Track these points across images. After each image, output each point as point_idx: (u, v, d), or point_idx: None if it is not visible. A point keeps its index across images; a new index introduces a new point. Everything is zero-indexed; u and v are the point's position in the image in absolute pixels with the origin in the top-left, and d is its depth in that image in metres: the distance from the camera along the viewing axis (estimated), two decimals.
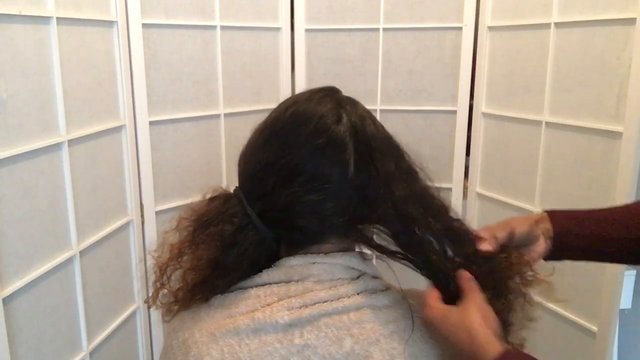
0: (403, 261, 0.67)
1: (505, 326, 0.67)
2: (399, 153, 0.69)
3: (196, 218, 0.69)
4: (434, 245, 0.66)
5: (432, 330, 0.65)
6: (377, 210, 0.65)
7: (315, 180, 0.64)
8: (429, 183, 0.69)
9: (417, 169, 0.69)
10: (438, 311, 0.64)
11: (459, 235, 0.68)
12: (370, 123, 0.68)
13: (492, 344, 0.59)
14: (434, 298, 0.66)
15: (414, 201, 0.65)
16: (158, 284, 0.70)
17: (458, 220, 0.69)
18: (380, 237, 0.68)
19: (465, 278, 0.66)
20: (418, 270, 0.67)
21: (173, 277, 0.70)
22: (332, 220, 0.66)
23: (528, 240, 0.77)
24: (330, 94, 0.70)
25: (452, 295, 0.65)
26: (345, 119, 0.66)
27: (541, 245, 0.78)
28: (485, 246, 0.69)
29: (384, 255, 0.67)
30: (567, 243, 0.79)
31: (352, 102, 0.70)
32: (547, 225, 0.78)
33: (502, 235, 0.73)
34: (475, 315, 0.61)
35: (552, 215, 0.79)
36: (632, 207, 0.82)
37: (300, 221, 0.66)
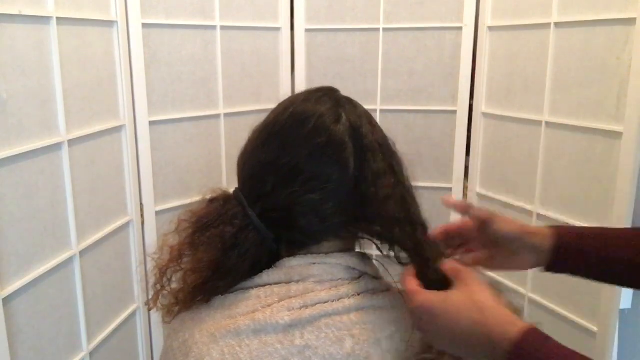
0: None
1: None
2: (392, 155, 0.69)
3: (196, 220, 0.68)
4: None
5: (425, 320, 0.58)
6: (366, 209, 0.65)
7: (315, 179, 0.64)
8: (412, 187, 0.69)
9: (407, 174, 0.69)
10: (436, 295, 0.58)
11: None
12: (367, 123, 0.68)
13: (512, 323, 0.53)
14: (415, 285, 0.61)
15: (397, 203, 0.65)
16: (158, 286, 0.70)
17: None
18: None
19: (454, 265, 0.62)
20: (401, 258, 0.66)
21: (173, 279, 0.70)
22: (332, 220, 0.66)
23: (510, 246, 0.73)
24: (328, 93, 0.70)
25: (433, 282, 0.61)
26: (344, 118, 0.66)
27: (522, 261, 0.74)
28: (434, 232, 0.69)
29: (385, 244, 0.66)
30: (568, 259, 0.74)
31: (351, 102, 0.70)
32: (542, 241, 0.73)
33: (480, 214, 0.72)
34: (485, 293, 0.56)
35: (558, 232, 0.74)
36: None
37: (301, 221, 0.66)
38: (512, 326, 0.53)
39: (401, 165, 0.69)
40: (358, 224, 0.68)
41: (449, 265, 0.62)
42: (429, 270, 0.63)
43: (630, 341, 1.57)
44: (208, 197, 0.71)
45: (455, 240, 0.77)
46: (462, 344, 0.56)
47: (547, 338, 0.53)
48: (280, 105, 0.70)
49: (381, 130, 0.71)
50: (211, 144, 1.74)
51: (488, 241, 0.74)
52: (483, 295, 0.57)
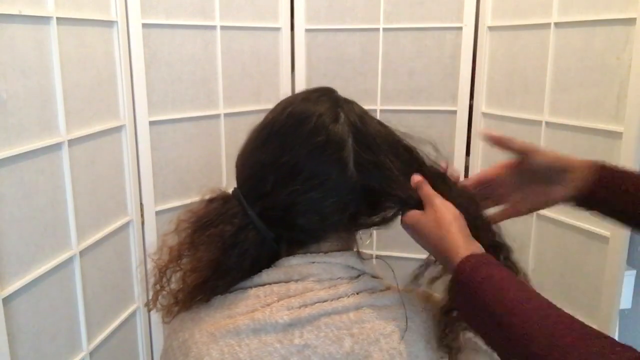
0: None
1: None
2: (400, 146, 0.70)
3: (195, 220, 0.69)
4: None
5: (409, 234, 0.68)
6: (383, 204, 0.67)
7: (314, 178, 0.64)
8: (435, 165, 0.72)
9: (422, 158, 0.71)
10: (413, 217, 0.67)
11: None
12: (368, 121, 0.69)
13: (463, 248, 0.61)
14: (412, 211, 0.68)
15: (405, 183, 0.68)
16: (158, 287, 0.70)
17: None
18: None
19: (419, 186, 0.68)
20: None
21: (173, 279, 0.70)
22: (332, 218, 0.66)
23: (546, 177, 0.75)
24: (327, 93, 0.71)
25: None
26: (343, 117, 0.67)
27: (557, 192, 0.75)
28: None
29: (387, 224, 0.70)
30: (601, 197, 0.74)
31: (349, 102, 0.71)
32: (583, 173, 0.74)
33: (519, 144, 0.74)
34: (448, 216, 0.63)
35: (601, 166, 0.75)
36: None
37: (300, 220, 0.66)
38: (459, 251, 0.61)
39: (408, 151, 0.71)
40: (359, 218, 0.68)
41: (424, 189, 0.68)
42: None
43: (630, 341, 1.57)
44: (207, 197, 0.71)
45: (487, 189, 0.79)
46: (432, 253, 0.67)
47: (484, 264, 0.59)
48: (278, 105, 0.70)
49: (383, 126, 0.71)
50: (211, 144, 1.74)
51: (524, 178, 0.77)
52: (444, 218, 0.64)
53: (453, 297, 0.61)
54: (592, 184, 0.74)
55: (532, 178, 0.76)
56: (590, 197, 0.74)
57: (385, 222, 0.70)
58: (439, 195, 0.66)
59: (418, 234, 0.66)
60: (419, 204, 0.67)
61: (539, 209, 0.81)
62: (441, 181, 0.69)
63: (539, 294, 0.56)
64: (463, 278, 0.58)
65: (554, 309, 0.54)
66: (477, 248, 0.62)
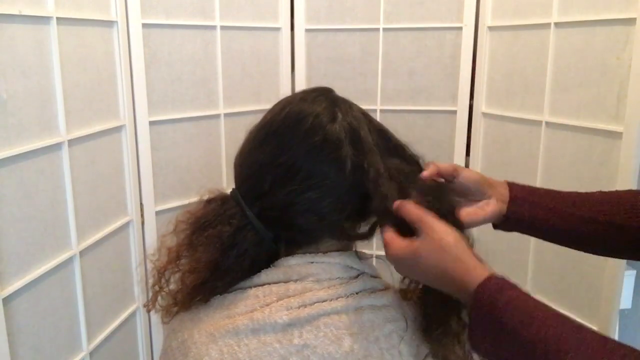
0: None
1: None
2: (396, 150, 0.70)
3: (194, 221, 0.69)
4: None
5: (400, 268, 0.62)
6: (371, 206, 0.66)
7: (312, 177, 0.64)
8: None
9: (417, 165, 0.70)
10: (406, 247, 0.60)
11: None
12: (365, 121, 0.69)
13: (479, 268, 0.57)
14: (392, 235, 0.62)
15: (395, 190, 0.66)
16: (156, 288, 0.70)
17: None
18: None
19: (410, 209, 0.62)
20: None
21: (172, 280, 0.70)
22: (330, 218, 0.66)
23: (475, 193, 0.74)
24: (324, 93, 0.71)
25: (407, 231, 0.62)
26: (340, 117, 0.67)
27: (491, 205, 0.74)
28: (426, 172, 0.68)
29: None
30: (521, 212, 0.75)
31: (346, 102, 0.71)
32: (502, 190, 0.75)
33: (445, 166, 0.71)
34: (450, 237, 0.58)
35: (511, 184, 0.77)
36: (605, 193, 0.78)
37: (299, 220, 0.66)
38: (475, 273, 0.56)
39: (408, 158, 0.70)
40: (356, 220, 0.68)
41: (412, 211, 0.62)
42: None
43: (630, 341, 1.57)
44: (205, 197, 0.71)
45: None
46: (436, 285, 0.61)
47: (508, 285, 0.55)
48: (276, 105, 0.70)
49: (382, 127, 0.71)
50: (211, 144, 1.74)
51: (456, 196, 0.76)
52: (448, 241, 0.59)
53: (477, 321, 0.55)
54: (509, 202, 0.75)
55: (462, 194, 0.75)
56: (509, 215, 0.75)
57: (369, 235, 0.68)
58: (430, 215, 0.61)
59: (416, 265, 0.60)
60: (403, 223, 0.62)
61: (475, 226, 0.75)
62: (436, 194, 0.66)
63: (565, 315, 0.54)
64: (487, 299, 0.54)
65: (587, 330, 0.52)
66: (489, 268, 0.57)
